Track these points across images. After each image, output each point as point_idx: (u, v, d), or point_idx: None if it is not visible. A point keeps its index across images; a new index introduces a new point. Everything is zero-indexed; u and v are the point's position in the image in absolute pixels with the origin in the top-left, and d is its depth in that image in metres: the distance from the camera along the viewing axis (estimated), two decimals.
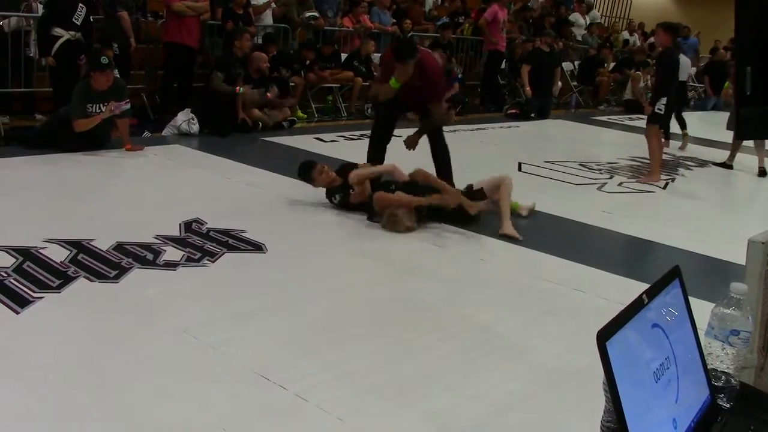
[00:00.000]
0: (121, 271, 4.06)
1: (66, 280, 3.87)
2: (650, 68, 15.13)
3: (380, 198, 5.43)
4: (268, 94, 9.13)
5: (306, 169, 5.78)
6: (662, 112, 7.55)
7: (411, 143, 6.27)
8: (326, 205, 5.75)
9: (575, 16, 16.85)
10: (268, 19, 10.83)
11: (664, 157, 9.29)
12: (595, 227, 5.86)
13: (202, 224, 4.99)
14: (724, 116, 10.55)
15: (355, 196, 5.59)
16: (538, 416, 2.93)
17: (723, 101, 15.70)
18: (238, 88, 8.68)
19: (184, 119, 8.26)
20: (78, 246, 4.36)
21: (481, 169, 7.64)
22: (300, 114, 10.19)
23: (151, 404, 2.77)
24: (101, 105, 6.84)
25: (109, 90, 6.90)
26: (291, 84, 10.06)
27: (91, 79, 6.86)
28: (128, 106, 7.04)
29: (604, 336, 1.17)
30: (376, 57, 10.96)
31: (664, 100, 7.52)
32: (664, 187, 7.63)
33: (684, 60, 12.11)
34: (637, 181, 7.74)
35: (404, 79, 5.79)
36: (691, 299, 1.51)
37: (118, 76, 8.19)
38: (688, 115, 10.67)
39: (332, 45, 11.18)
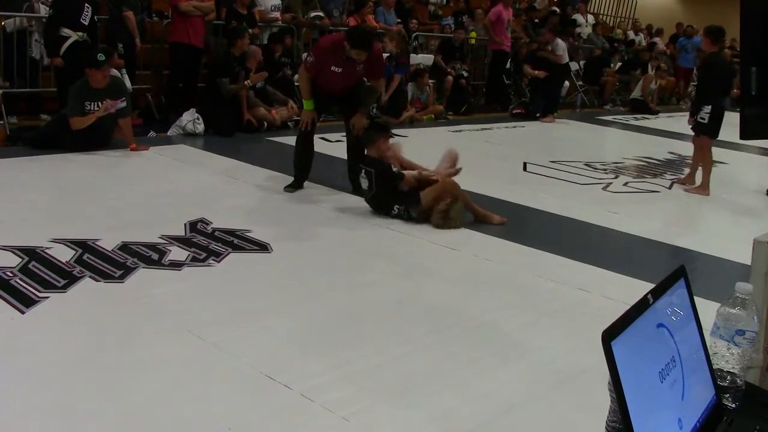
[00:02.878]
0: (127, 270, 4.07)
1: (71, 279, 3.87)
2: (663, 71, 15.14)
3: (450, 186, 5.48)
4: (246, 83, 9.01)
5: (383, 127, 5.94)
6: (705, 121, 7.17)
7: (358, 126, 6.09)
8: (331, 205, 5.76)
9: (579, 17, 16.83)
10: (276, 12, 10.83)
11: (669, 157, 9.30)
12: (600, 227, 5.85)
13: (208, 224, 5.00)
14: (729, 116, 10.53)
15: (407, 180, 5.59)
16: (544, 416, 2.92)
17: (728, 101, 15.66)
18: (246, 82, 8.70)
19: (190, 119, 8.27)
20: (83, 246, 4.37)
21: (486, 169, 7.66)
22: None
23: (156, 403, 2.77)
24: (99, 103, 6.85)
25: (106, 88, 6.91)
26: (296, 84, 10.05)
27: (88, 76, 6.87)
28: (124, 104, 7.03)
29: (609, 336, 1.17)
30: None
31: (708, 109, 7.16)
32: (670, 187, 7.62)
33: (562, 44, 12.10)
34: (685, 189, 7.56)
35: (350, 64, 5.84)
36: (697, 299, 1.51)
37: (125, 74, 8.24)
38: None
39: None
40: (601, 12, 21.21)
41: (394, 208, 5.51)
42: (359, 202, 5.79)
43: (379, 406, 2.89)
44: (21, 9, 8.39)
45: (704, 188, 7.45)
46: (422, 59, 12.31)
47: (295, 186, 6.14)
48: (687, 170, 8.22)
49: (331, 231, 5.21)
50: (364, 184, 5.58)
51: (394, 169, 5.55)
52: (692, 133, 7.50)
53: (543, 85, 12.10)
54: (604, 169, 8.23)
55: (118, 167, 6.68)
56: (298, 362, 3.19)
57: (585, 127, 12.19)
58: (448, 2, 15.20)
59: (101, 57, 6.91)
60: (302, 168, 6.20)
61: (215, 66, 9.03)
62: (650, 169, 8.48)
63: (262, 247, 4.68)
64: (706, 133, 7.27)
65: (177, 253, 4.42)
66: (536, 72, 11.97)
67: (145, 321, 3.49)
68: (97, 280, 3.91)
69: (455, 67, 12.27)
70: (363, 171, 5.59)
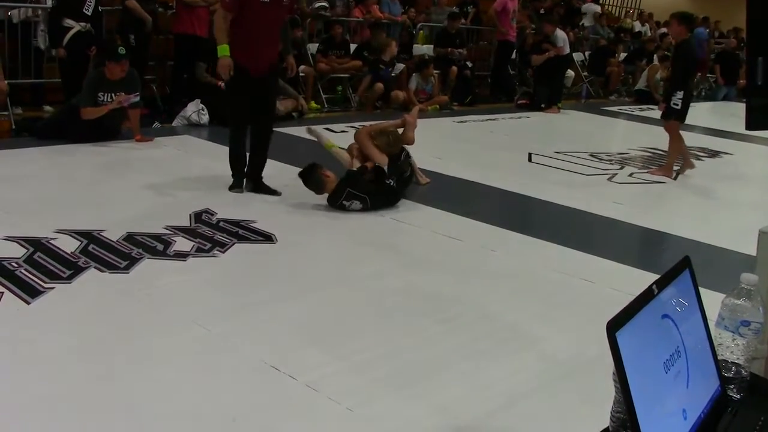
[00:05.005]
0: (132, 261, 4.08)
1: (76, 270, 3.88)
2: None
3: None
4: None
5: (311, 170, 5.56)
6: (678, 107, 7.33)
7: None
8: None
9: (587, 7, 16.78)
10: None
11: None
12: (605, 218, 5.84)
13: (212, 215, 5.01)
14: (736, 106, 10.52)
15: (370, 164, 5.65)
16: (548, 407, 2.93)
17: (735, 91, 15.63)
18: (220, 83, 8.55)
19: (194, 110, 8.27)
20: (88, 237, 4.37)
21: (491, 160, 7.65)
22: (313, 104, 10.18)
23: (161, 394, 2.78)
24: (112, 95, 6.86)
25: (122, 81, 6.91)
26: (301, 74, 10.05)
27: (105, 68, 6.88)
28: (137, 98, 7.04)
29: (614, 326, 1.17)
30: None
31: (680, 95, 7.32)
32: (675, 178, 7.60)
33: (561, 35, 12.07)
34: (648, 173, 7.70)
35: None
36: (702, 290, 1.50)
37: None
38: (697, 106, 10.59)
39: (340, 25, 11.06)
40: (607, 2, 21.11)
41: (391, 183, 5.56)
42: None
43: (384, 397, 2.89)
44: (26, 0, 8.40)
45: (668, 170, 7.67)
46: (427, 50, 12.31)
47: (238, 186, 5.75)
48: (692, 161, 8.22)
49: (335, 221, 5.21)
50: (357, 206, 5.38)
51: (355, 168, 5.59)
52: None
53: (546, 76, 12.06)
54: (610, 160, 8.22)
55: (123, 158, 6.69)
56: (302, 353, 3.20)
57: (590, 117, 12.16)
58: None
59: (122, 51, 6.93)
60: (240, 164, 5.77)
61: (197, 50, 8.92)
62: (655, 159, 8.44)
63: (267, 237, 4.69)
64: (678, 118, 7.44)
65: (182, 244, 4.42)
66: (546, 54, 11.87)
67: (150, 312, 3.50)
68: (102, 271, 3.92)
69: (454, 56, 12.16)
70: (348, 203, 5.37)
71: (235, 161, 5.77)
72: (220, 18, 5.44)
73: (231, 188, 5.73)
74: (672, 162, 7.68)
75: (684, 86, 7.43)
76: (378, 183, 5.51)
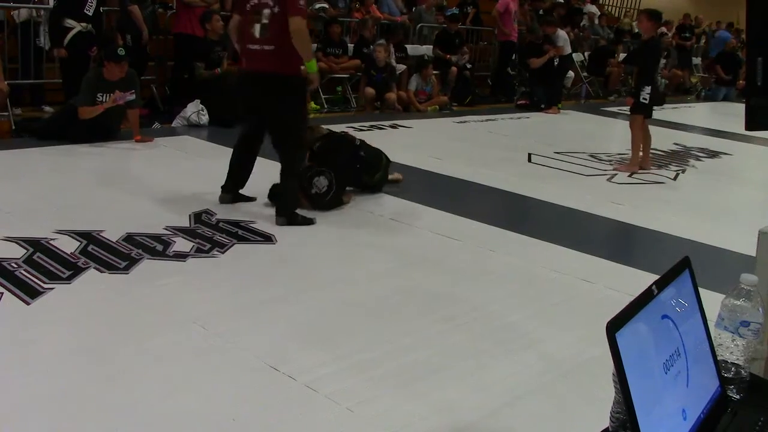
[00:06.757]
0: (131, 262, 4.08)
1: (76, 271, 3.88)
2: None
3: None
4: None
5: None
6: (647, 102, 7.45)
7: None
8: None
9: (588, 7, 16.79)
10: None
11: (674, 148, 9.28)
12: (604, 218, 5.85)
13: (212, 215, 5.01)
14: (736, 107, 10.51)
15: None
16: (548, 406, 2.93)
17: (734, 92, 15.62)
18: (216, 70, 8.65)
19: (194, 110, 8.26)
20: (88, 237, 4.37)
21: (491, 160, 7.65)
22: (313, 105, 10.19)
23: (160, 394, 2.78)
24: (111, 94, 6.86)
25: (120, 81, 6.92)
26: None
27: (104, 68, 6.89)
28: (132, 96, 7.03)
29: (613, 327, 1.17)
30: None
31: (648, 89, 7.43)
32: (675, 178, 7.60)
33: (563, 35, 12.09)
34: (615, 169, 7.70)
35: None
36: (701, 290, 1.50)
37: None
38: (697, 106, 10.65)
39: (338, 25, 11.04)
40: (606, 2, 21.11)
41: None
42: (362, 193, 5.83)
43: (384, 397, 2.89)
44: (30, 0, 8.42)
45: (645, 161, 7.80)
46: (426, 50, 12.31)
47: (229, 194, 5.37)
48: (691, 161, 8.24)
49: (335, 222, 5.20)
50: (324, 182, 5.31)
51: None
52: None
53: (544, 76, 12.05)
54: (609, 160, 8.22)
55: (123, 159, 6.69)
56: (302, 353, 3.20)
57: (589, 118, 12.15)
58: None
59: (121, 51, 6.95)
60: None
61: (194, 50, 8.97)
62: (655, 160, 8.43)
63: (267, 238, 4.69)
64: (645, 112, 7.56)
65: (181, 244, 4.42)
66: (546, 55, 11.86)
67: (149, 312, 3.49)
68: (101, 272, 3.92)
69: (459, 59, 12.18)
70: (316, 179, 5.32)
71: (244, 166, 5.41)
72: (305, 26, 4.77)
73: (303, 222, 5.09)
74: (636, 156, 7.76)
75: (652, 82, 7.58)
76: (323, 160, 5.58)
